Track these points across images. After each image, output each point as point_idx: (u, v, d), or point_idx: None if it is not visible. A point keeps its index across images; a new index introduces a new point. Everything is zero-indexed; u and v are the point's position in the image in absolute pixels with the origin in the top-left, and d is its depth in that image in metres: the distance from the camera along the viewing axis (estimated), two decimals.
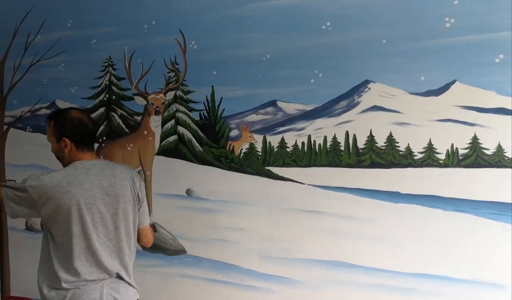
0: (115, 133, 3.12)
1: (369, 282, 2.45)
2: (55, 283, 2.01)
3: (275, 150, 2.70)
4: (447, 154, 2.33)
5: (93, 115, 3.17)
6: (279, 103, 2.69)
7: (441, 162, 2.34)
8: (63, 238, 2.01)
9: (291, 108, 2.67)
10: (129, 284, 2.13)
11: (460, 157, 2.31)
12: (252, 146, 2.75)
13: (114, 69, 3.10)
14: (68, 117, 2.09)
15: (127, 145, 3.06)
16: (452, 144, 2.32)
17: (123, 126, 3.10)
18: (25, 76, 3.36)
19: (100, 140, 3.15)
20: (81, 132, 2.08)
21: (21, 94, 3.38)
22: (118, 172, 2.10)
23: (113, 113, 3.12)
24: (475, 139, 2.28)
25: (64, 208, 1.98)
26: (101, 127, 3.16)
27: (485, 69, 2.23)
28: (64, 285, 1.99)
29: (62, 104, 3.27)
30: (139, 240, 2.23)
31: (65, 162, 2.12)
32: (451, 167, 2.32)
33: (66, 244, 2.01)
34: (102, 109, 3.16)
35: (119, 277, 2.09)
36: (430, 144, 2.36)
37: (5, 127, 3.45)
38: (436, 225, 2.34)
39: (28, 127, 3.41)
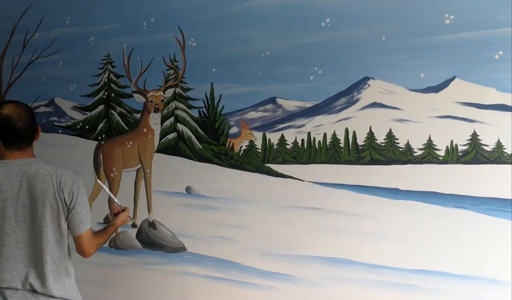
0: (115, 131, 3.11)
1: (369, 278, 2.45)
2: None
3: (275, 147, 2.70)
4: (447, 150, 2.33)
5: (92, 113, 3.17)
6: (279, 100, 2.69)
7: (441, 158, 2.34)
8: None
9: (290, 105, 2.66)
10: (48, 295, 1.98)
11: (459, 153, 2.31)
12: (251, 144, 2.75)
13: (113, 66, 3.09)
14: None
15: (127, 143, 3.05)
16: (452, 141, 2.32)
17: (122, 124, 3.09)
18: (23, 73, 3.36)
19: (99, 138, 3.15)
20: (5, 131, 1.98)
21: (19, 92, 3.36)
22: (41, 174, 1.97)
23: (112, 111, 3.12)
24: (474, 135, 2.28)
25: None
26: (100, 125, 3.15)
27: (484, 65, 2.24)
28: None
29: (61, 102, 3.27)
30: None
31: None
32: (450, 163, 2.33)
33: None
34: (101, 107, 3.15)
35: (32, 289, 1.96)
36: (429, 141, 2.37)
37: None
38: (436, 221, 2.34)
39: None
